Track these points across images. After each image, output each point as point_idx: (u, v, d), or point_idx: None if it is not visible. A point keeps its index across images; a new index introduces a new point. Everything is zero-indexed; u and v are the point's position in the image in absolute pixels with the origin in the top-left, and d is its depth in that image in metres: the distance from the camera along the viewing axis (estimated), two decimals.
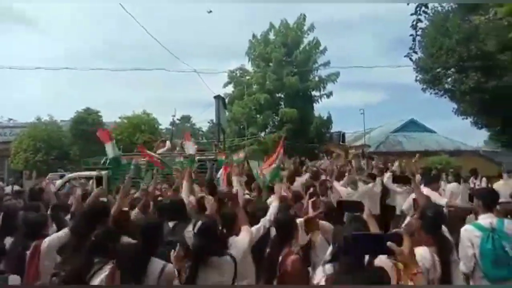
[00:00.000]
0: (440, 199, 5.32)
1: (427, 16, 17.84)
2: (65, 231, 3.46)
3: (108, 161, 7.63)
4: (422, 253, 3.03)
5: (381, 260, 2.62)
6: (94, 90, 67.30)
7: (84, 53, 68.61)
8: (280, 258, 3.05)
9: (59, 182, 10.27)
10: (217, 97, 12.14)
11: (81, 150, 28.01)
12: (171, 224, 3.79)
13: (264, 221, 3.63)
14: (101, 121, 30.82)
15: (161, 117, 40.99)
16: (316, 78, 26.40)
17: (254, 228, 3.43)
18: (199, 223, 2.96)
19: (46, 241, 3.36)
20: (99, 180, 7.18)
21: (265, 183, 6.36)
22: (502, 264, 3.28)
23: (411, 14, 4.28)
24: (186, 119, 45.15)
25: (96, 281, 2.72)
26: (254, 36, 27.25)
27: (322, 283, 2.52)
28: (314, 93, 26.54)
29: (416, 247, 3.07)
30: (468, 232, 3.46)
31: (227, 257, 2.88)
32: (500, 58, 14.82)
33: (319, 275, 2.59)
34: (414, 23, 4.32)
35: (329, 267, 2.58)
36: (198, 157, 10.29)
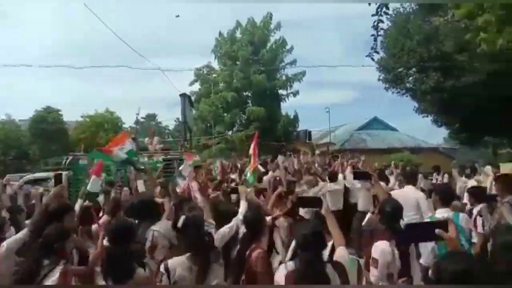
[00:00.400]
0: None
1: (389, 17, 18.49)
2: (23, 232, 3.33)
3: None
4: (383, 247, 3.09)
5: (340, 255, 2.66)
6: (55, 88, 65.02)
7: (44, 50, 66.00)
8: (247, 253, 3.08)
9: (16, 184, 9.82)
10: (183, 95, 11.93)
11: (40, 149, 27.02)
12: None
13: (236, 220, 3.61)
14: (62, 120, 29.80)
15: (125, 116, 40.02)
16: (283, 77, 26.59)
17: (227, 226, 3.41)
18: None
19: (4, 245, 3.22)
20: (58, 180, 6.83)
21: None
22: None
23: (373, 15, 4.35)
24: (151, 117, 44.34)
25: (47, 283, 2.62)
26: (220, 34, 27.11)
27: (283, 279, 2.54)
28: (281, 91, 26.73)
29: (377, 241, 3.14)
30: None
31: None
32: (458, 59, 15.42)
33: (281, 272, 2.61)
34: (376, 23, 4.38)
35: (291, 264, 2.59)
36: (163, 157, 10.12)
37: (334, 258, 2.66)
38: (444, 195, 3.77)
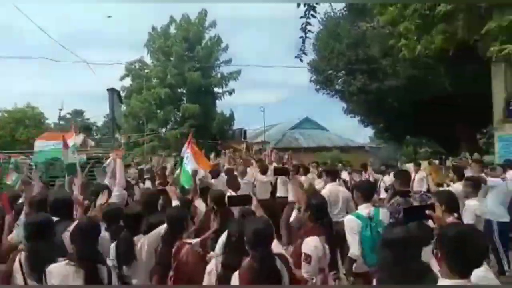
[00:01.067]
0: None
1: (320, 21, 19.18)
2: None
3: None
4: (315, 243, 3.15)
5: (277, 249, 2.74)
6: None
7: None
8: (174, 250, 3.04)
9: None
10: (111, 90, 11.27)
11: None
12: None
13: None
14: None
15: (49, 111, 37.23)
16: (219, 75, 26.48)
17: (162, 227, 3.39)
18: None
19: None
20: None
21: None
22: None
23: (301, 17, 4.44)
24: (78, 113, 41.81)
25: None
26: (154, 28, 26.27)
27: (213, 273, 2.67)
28: (216, 89, 26.60)
29: (307, 237, 3.20)
30: (350, 221, 3.72)
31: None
32: (382, 63, 16.40)
33: (212, 266, 2.74)
34: (303, 25, 4.48)
35: (220, 258, 2.72)
36: (89, 155, 9.55)
37: (277, 251, 2.69)
38: (365, 191, 3.93)
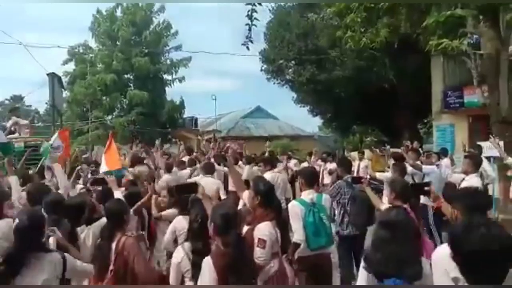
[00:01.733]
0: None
1: (271, 9, 19.20)
2: None
3: None
4: (268, 228, 3.15)
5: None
6: None
7: None
8: (114, 244, 2.97)
9: None
10: (51, 75, 10.65)
11: None
12: None
13: None
14: None
15: None
16: (168, 61, 25.82)
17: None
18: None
19: None
20: None
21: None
22: (321, 233, 3.71)
23: (246, 4, 4.42)
24: (18, 98, 39.12)
25: None
26: (98, 11, 25.00)
27: (185, 261, 2.77)
28: (166, 76, 25.93)
29: (258, 223, 3.19)
30: (295, 207, 3.79)
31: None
32: (330, 54, 16.76)
33: (180, 255, 2.80)
34: (249, 13, 4.47)
35: (188, 245, 2.82)
36: (26, 143, 9.02)
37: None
38: (308, 178, 4.02)
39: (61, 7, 68.02)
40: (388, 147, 8.36)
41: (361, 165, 10.33)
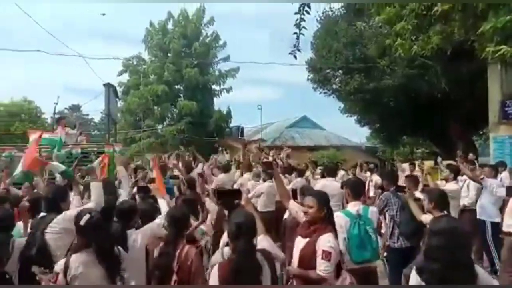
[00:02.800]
0: None
1: (318, 19, 19.16)
2: None
3: None
4: (331, 239, 3.10)
5: (263, 243, 2.74)
6: None
7: None
8: (177, 252, 2.95)
9: None
10: (107, 85, 11.27)
11: None
12: None
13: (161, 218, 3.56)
14: None
15: (46, 105, 37.24)
16: (216, 72, 26.44)
17: (155, 223, 3.45)
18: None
19: None
20: None
21: None
22: (366, 247, 3.59)
23: (295, 13, 4.43)
24: (75, 108, 41.66)
25: None
26: (151, 24, 26.19)
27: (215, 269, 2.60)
28: (214, 87, 26.56)
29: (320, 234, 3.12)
30: (339, 218, 3.67)
31: None
32: (379, 62, 16.39)
33: (217, 259, 2.78)
34: (298, 22, 4.47)
35: (227, 250, 2.71)
36: (81, 150, 9.53)
37: (258, 246, 2.68)
38: (355, 189, 3.92)
39: (117, 21, 71.90)
40: (439, 159, 8.02)
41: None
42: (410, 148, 29.72)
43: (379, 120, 21.35)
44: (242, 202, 3.33)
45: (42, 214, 3.45)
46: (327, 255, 2.98)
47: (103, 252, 2.70)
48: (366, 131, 27.93)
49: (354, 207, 3.77)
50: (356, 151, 25.42)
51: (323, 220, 3.20)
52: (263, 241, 2.79)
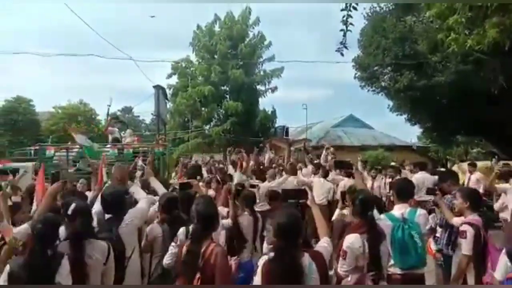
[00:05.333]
0: None
1: (365, 16, 18.71)
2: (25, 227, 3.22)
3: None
4: (353, 240, 3.11)
5: (323, 246, 2.73)
6: (25, 77, 63.08)
7: (13, 37, 63.74)
8: (202, 250, 2.91)
9: None
10: (157, 87, 11.72)
11: (10, 141, 26.19)
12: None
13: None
14: (33, 111, 28.98)
15: (100, 107, 39.29)
16: (261, 72, 26.57)
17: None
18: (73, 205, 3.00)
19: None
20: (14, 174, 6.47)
21: None
22: (410, 252, 3.42)
23: (342, 10, 4.38)
24: (127, 110, 43.57)
25: None
26: (198, 27, 26.80)
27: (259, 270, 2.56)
28: (259, 87, 26.70)
29: (348, 234, 3.16)
30: (381, 221, 3.53)
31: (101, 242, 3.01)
32: (431, 58, 15.74)
33: (261, 262, 2.61)
34: (344, 18, 4.42)
35: (271, 254, 2.60)
36: (132, 149, 9.96)
37: (316, 248, 2.70)
38: (401, 191, 3.77)
39: (166, 25, 74.32)
40: (494, 160, 7.55)
41: (472, 178, 9.39)
42: (464, 148, 28.25)
43: (430, 119, 20.50)
44: (308, 203, 3.32)
45: (106, 216, 3.56)
46: (343, 254, 3.07)
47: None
48: (416, 130, 26.93)
49: (399, 210, 3.63)
50: (406, 151, 24.50)
51: (355, 218, 3.29)
52: (323, 243, 2.78)
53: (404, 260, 3.43)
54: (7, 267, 2.63)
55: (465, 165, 10.46)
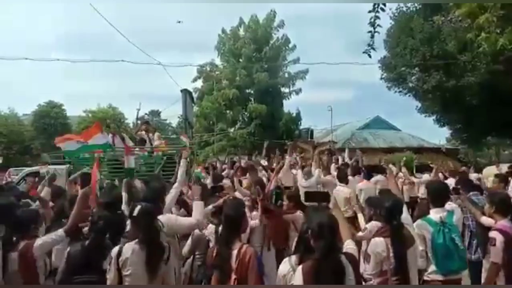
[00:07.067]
0: None
1: (392, 16, 18.44)
2: (59, 234, 3.25)
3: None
4: (377, 243, 3.11)
5: (349, 248, 2.70)
6: (56, 82, 65.25)
7: (44, 43, 66.20)
8: (235, 252, 2.93)
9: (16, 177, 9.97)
10: (184, 91, 11.88)
11: (43, 144, 27.14)
12: None
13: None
14: (65, 115, 29.96)
15: (128, 111, 40.40)
16: (286, 75, 26.61)
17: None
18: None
19: (38, 243, 3.16)
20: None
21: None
22: (453, 256, 3.35)
23: (369, 12, 4.34)
24: (155, 113, 44.38)
25: None
26: (223, 31, 27.09)
27: (291, 274, 2.53)
28: (283, 89, 26.75)
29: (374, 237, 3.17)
30: (421, 226, 3.48)
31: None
32: (460, 58, 15.38)
33: (286, 267, 2.60)
34: (372, 20, 4.37)
35: (294, 259, 2.60)
36: (163, 152, 10.10)
37: (346, 250, 2.69)
38: (436, 195, 3.68)
39: (191, 30, 75.36)
40: None
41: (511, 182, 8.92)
42: (495, 150, 27.35)
43: (460, 120, 20.00)
44: (330, 205, 3.32)
45: None
46: (367, 257, 3.14)
47: (146, 240, 2.94)
48: (446, 131, 26.23)
49: (436, 213, 3.53)
50: (435, 153, 23.92)
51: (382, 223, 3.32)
52: (349, 245, 2.79)
53: (447, 265, 3.36)
54: (68, 249, 3.07)
55: (492, 169, 10.06)
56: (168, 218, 3.57)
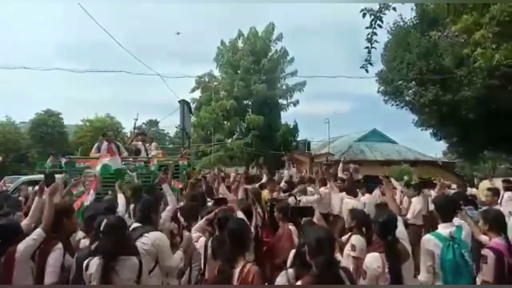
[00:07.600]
0: None
1: (389, 30, 18.64)
2: (37, 233, 3.21)
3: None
4: (372, 259, 3.13)
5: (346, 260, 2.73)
6: (54, 92, 65.35)
7: (42, 53, 66.38)
8: (238, 270, 2.88)
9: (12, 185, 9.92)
10: (182, 102, 11.98)
11: (39, 153, 27.07)
12: None
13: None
14: (62, 124, 29.95)
15: (126, 121, 40.43)
16: (284, 87, 26.72)
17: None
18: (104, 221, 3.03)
19: (20, 248, 3.11)
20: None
21: None
22: (463, 272, 3.32)
23: (366, 27, 4.42)
24: (153, 123, 44.36)
25: None
26: (222, 42, 27.28)
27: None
28: (281, 101, 26.84)
29: (369, 253, 3.17)
30: (429, 241, 3.46)
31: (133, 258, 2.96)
32: (456, 73, 15.53)
33: (283, 280, 2.63)
34: (369, 36, 4.45)
35: (291, 272, 2.62)
36: (158, 163, 10.09)
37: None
38: (444, 209, 3.67)
39: (189, 41, 75.90)
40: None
41: (505, 196, 8.86)
42: (492, 164, 27.49)
43: (456, 134, 20.11)
44: (315, 220, 3.32)
45: (134, 225, 3.66)
46: (363, 273, 3.14)
47: (105, 256, 2.89)
48: (442, 145, 26.37)
49: (445, 228, 3.50)
50: (432, 166, 23.98)
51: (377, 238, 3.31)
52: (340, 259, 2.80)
53: (456, 281, 3.30)
54: (76, 254, 3.19)
55: (486, 183, 10.00)
56: (161, 241, 3.50)
